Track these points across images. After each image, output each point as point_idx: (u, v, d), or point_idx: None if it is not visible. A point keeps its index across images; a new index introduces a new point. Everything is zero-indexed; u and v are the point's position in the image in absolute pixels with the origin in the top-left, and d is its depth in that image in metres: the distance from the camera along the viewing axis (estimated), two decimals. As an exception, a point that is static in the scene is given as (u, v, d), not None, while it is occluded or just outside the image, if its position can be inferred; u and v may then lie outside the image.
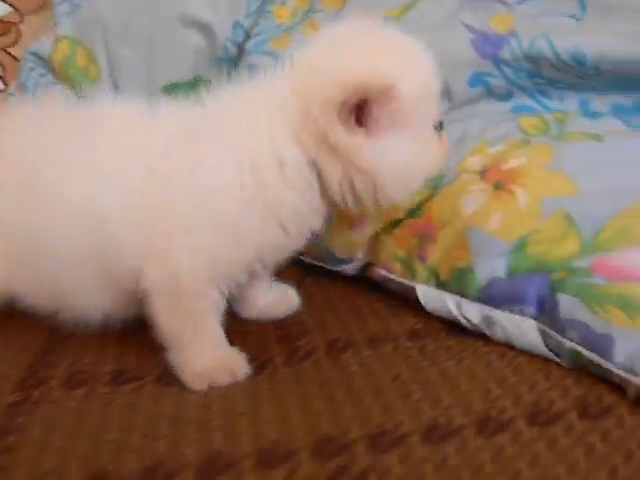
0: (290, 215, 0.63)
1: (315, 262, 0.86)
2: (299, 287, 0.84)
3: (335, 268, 0.84)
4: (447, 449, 0.51)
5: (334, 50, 0.62)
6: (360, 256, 0.81)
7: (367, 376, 0.63)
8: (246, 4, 0.95)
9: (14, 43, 1.30)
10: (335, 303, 0.80)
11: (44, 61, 1.03)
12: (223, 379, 0.64)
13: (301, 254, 0.87)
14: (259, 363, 0.67)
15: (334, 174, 0.61)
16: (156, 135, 0.65)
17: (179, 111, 0.65)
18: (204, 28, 0.94)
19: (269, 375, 0.66)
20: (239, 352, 0.67)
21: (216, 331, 0.66)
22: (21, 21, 1.33)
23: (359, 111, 0.58)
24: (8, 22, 1.32)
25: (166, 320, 0.64)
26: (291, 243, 0.65)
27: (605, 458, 0.49)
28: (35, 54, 1.05)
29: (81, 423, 0.58)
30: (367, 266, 0.82)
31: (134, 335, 0.71)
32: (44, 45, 1.04)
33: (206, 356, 0.65)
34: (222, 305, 0.65)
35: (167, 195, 0.62)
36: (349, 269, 0.83)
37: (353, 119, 0.58)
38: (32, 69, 1.04)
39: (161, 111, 0.66)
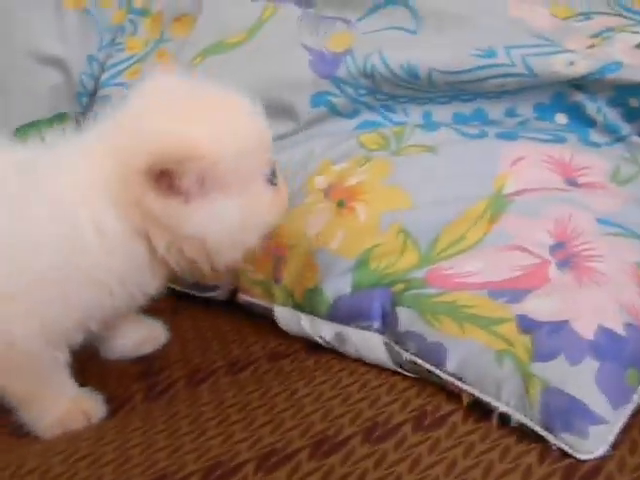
0: (113, 280, 0.59)
1: (186, 290, 0.85)
2: (173, 317, 0.84)
3: (205, 295, 0.84)
4: (279, 474, 0.52)
5: (148, 109, 0.59)
6: (225, 282, 0.81)
7: (217, 407, 0.63)
8: (98, 37, 0.94)
9: None
10: (203, 331, 0.80)
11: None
12: (77, 423, 0.64)
13: (173, 282, 0.88)
14: (118, 402, 0.67)
15: (160, 241, 0.58)
16: None
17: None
18: (59, 63, 0.93)
19: (126, 413, 0.66)
20: (93, 394, 0.66)
21: (62, 381, 0.64)
22: None
23: (169, 178, 0.55)
24: None
25: (8, 383, 0.62)
26: (122, 304, 0.62)
27: (428, 468, 0.50)
28: None
29: None
30: (235, 291, 0.82)
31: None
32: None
33: (56, 405, 0.64)
34: (65, 358, 0.63)
35: None
36: (218, 295, 0.83)
37: (164, 186, 0.55)
38: None
39: None
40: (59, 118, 0.94)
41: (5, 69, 0.93)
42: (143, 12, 0.93)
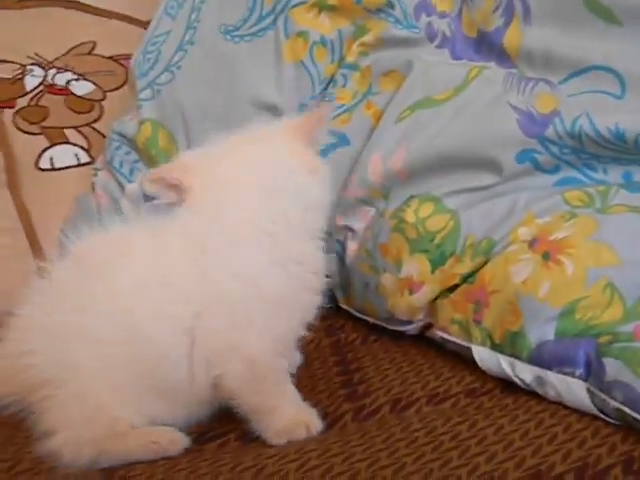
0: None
1: (378, 322, 0.93)
2: (364, 346, 0.92)
3: (397, 328, 0.91)
4: (501, 502, 0.57)
5: None
6: (420, 318, 0.87)
7: (428, 433, 0.69)
8: (310, 87, 1.05)
9: (98, 119, 1.42)
10: (397, 362, 0.86)
11: (129, 141, 1.14)
12: (300, 434, 0.72)
13: (366, 315, 0.96)
14: (332, 419, 0.75)
15: None
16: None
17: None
18: (274, 109, 1.04)
19: (339, 430, 0.73)
20: (312, 408, 0.74)
21: (292, 391, 0.73)
22: (103, 98, 1.46)
23: None
24: (91, 100, 1.45)
25: (247, 399, 0.71)
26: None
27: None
28: (120, 134, 1.16)
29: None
30: (426, 326, 0.89)
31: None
32: (128, 126, 1.15)
33: (285, 415, 0.72)
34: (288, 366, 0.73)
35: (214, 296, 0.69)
36: (410, 329, 0.90)
37: None
38: (118, 148, 1.15)
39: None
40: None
41: (228, 112, 1.05)
42: (354, 67, 1.03)
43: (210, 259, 0.69)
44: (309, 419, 0.73)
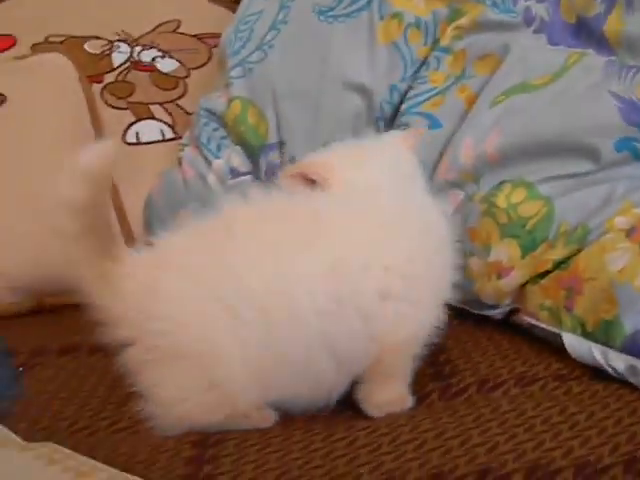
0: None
1: (462, 306, 0.93)
2: (447, 329, 0.92)
3: (481, 312, 0.91)
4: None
5: None
6: (507, 302, 0.87)
7: (519, 415, 0.69)
8: (402, 70, 1.05)
9: (182, 96, 1.46)
10: (482, 345, 0.87)
11: (217, 117, 1.17)
12: (396, 407, 0.74)
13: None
14: (418, 397, 0.76)
15: None
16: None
17: None
18: (363, 91, 1.05)
19: (426, 407, 0.74)
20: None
21: None
22: (187, 76, 1.49)
23: None
24: (176, 77, 1.49)
25: (377, 370, 0.72)
26: None
27: None
28: (209, 110, 1.18)
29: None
30: (512, 311, 0.89)
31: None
32: (217, 103, 1.17)
33: (396, 389, 0.74)
34: None
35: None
36: (495, 314, 0.90)
37: None
38: (206, 124, 1.18)
39: None
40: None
41: (319, 92, 1.06)
42: (447, 50, 1.03)
43: (386, 242, 0.71)
44: (406, 394, 0.74)
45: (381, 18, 1.06)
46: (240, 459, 0.65)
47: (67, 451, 0.68)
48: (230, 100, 1.14)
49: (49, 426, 0.75)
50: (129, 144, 1.36)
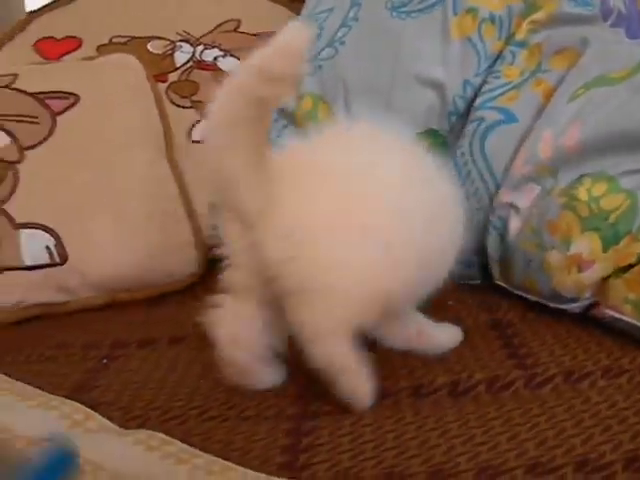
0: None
1: (539, 300, 0.93)
2: (523, 322, 0.92)
3: (560, 306, 0.91)
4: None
5: None
6: (587, 296, 0.87)
7: (611, 406, 0.69)
8: (476, 64, 1.05)
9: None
10: (562, 338, 0.87)
11: (286, 114, 1.18)
12: None
13: (525, 292, 0.96)
14: (502, 384, 0.76)
15: None
16: None
17: None
18: (437, 86, 1.05)
19: (513, 394, 0.75)
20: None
21: None
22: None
23: None
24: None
25: None
26: None
27: None
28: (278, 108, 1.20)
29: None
30: (590, 305, 0.89)
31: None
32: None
33: None
34: None
35: None
36: (573, 308, 0.90)
37: None
38: (275, 120, 1.19)
39: None
40: (430, 134, 1.07)
41: (391, 88, 1.07)
42: (522, 44, 1.03)
43: None
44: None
45: (455, 13, 1.06)
46: (335, 448, 0.67)
47: (164, 437, 0.71)
48: (301, 97, 1.15)
49: (141, 415, 0.77)
50: (195, 142, 1.39)
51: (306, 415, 0.74)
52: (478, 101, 1.02)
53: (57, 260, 1.12)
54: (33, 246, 1.12)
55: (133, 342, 0.99)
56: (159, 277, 1.19)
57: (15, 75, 1.24)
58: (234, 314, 0.76)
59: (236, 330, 0.76)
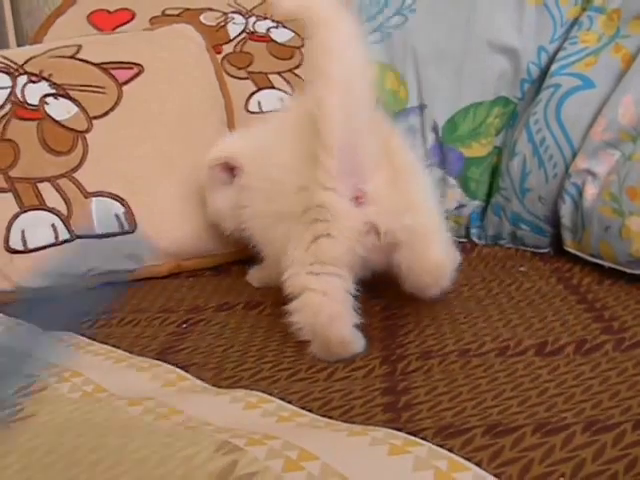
0: None
1: (615, 266, 0.93)
2: (600, 288, 0.93)
3: (638, 272, 0.91)
4: None
5: None
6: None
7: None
8: (552, 31, 1.05)
9: (299, 65, 1.48)
10: (644, 305, 0.87)
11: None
12: None
13: (601, 259, 0.96)
14: (592, 346, 0.77)
15: None
16: None
17: None
18: (510, 52, 1.05)
19: (604, 356, 0.75)
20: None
21: None
22: (303, 45, 1.51)
23: None
24: (291, 46, 1.51)
25: None
26: None
27: None
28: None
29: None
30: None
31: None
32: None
33: None
34: None
35: None
36: (653, 274, 0.90)
37: None
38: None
39: None
40: (500, 102, 1.07)
41: (463, 54, 1.07)
42: (600, 10, 1.02)
43: None
44: None
45: (531, -21, 1.06)
46: (435, 406, 0.68)
47: (262, 395, 0.72)
48: (367, 66, 1.15)
49: (233, 375, 0.78)
50: (251, 113, 1.39)
51: (395, 375, 0.75)
52: (553, 67, 1.02)
53: (126, 228, 1.13)
54: (103, 214, 1.13)
55: (209, 307, 1.00)
56: (223, 246, 1.20)
57: (79, 46, 1.25)
58: (330, 292, 0.80)
59: (337, 308, 0.80)
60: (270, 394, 0.71)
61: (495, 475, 0.55)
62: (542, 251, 1.07)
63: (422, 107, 1.09)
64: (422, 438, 0.60)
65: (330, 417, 0.67)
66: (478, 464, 0.56)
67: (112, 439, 0.64)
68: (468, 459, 0.56)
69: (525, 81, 1.05)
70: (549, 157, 0.99)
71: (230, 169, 0.98)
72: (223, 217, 1.02)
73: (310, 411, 0.68)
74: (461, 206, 1.09)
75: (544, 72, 1.04)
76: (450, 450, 0.58)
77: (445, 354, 0.78)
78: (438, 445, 0.58)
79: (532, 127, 1.01)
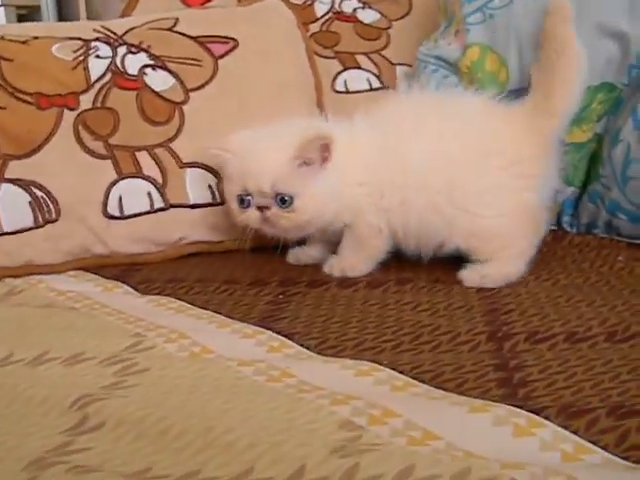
0: None
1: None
2: None
3: None
4: None
5: None
6: None
7: None
8: (664, 16, 1.03)
9: (385, 46, 1.47)
10: None
11: (449, 64, 1.18)
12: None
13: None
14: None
15: None
16: None
17: None
18: (620, 37, 1.03)
19: None
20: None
21: None
22: (389, 27, 1.50)
23: None
24: (378, 27, 1.50)
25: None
26: None
27: None
28: (438, 57, 1.19)
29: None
30: None
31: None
32: (448, 49, 1.18)
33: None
34: None
35: None
36: None
37: None
38: (435, 71, 1.19)
39: None
40: (605, 87, 1.05)
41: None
42: None
43: None
44: None
45: (646, -38, 1.03)
46: (551, 385, 0.67)
47: (373, 364, 0.72)
48: (467, 47, 1.14)
49: (337, 345, 0.79)
50: (338, 92, 1.40)
51: (503, 352, 0.75)
52: (668, 53, 1.00)
53: (218, 200, 1.15)
54: (197, 185, 1.14)
55: (302, 281, 1.01)
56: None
57: (176, 19, 1.27)
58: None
59: None
60: (379, 364, 0.72)
61: (623, 458, 0.55)
62: (638, 241, 1.05)
63: (522, 91, 1.07)
64: (545, 417, 0.60)
65: (444, 389, 0.67)
66: (605, 447, 0.56)
67: (220, 403, 0.65)
68: (594, 442, 0.56)
69: (633, 67, 1.03)
70: (659, 146, 0.98)
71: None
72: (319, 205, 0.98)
73: (423, 382, 0.69)
74: (556, 192, 1.08)
75: (654, 58, 1.02)
76: (575, 432, 0.58)
77: (553, 335, 0.78)
78: (562, 426, 0.58)
79: (639, 114, 0.99)
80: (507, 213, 0.95)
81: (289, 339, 0.81)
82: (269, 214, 0.97)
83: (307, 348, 0.79)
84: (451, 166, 0.94)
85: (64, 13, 2.80)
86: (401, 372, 0.71)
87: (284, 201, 0.96)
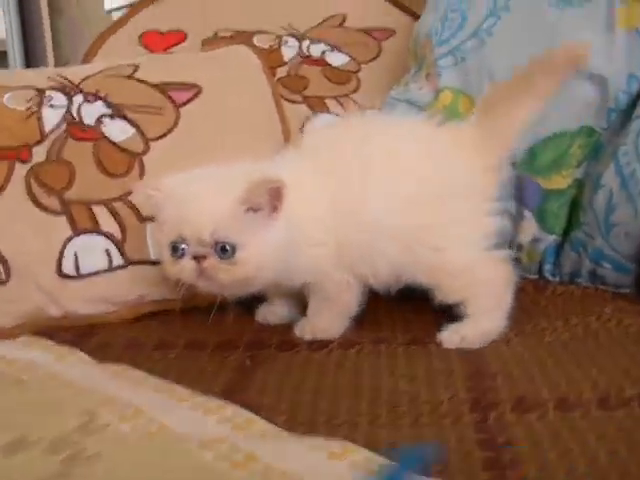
0: None
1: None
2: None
3: None
4: None
5: None
6: None
7: None
8: (644, 56, 0.99)
9: (356, 90, 1.43)
10: None
11: (420, 108, 1.13)
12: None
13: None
14: None
15: None
16: None
17: None
18: (598, 79, 0.99)
19: None
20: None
21: None
22: (358, 70, 1.47)
23: None
24: (347, 71, 1.47)
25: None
26: None
27: None
28: (409, 102, 1.15)
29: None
30: None
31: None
32: (419, 94, 1.14)
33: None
34: None
35: None
36: None
37: None
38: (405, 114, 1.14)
39: None
40: (585, 131, 1.01)
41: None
42: (697, 35, 0.96)
43: None
44: None
45: (623, 2, 1.00)
46: (544, 467, 0.61)
47: (347, 444, 0.66)
48: (439, 91, 1.10)
49: (306, 421, 0.72)
50: (307, 137, 1.35)
51: (489, 421, 0.69)
52: (648, 95, 0.96)
53: (182, 255, 1.08)
54: (158, 240, 1.08)
55: (272, 344, 0.94)
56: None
57: (136, 66, 1.21)
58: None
59: None
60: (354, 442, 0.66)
61: None
62: (623, 291, 1.00)
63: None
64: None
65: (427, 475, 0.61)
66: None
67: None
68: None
69: (612, 110, 0.99)
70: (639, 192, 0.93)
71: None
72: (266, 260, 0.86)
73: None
74: (536, 240, 1.03)
75: (634, 101, 0.98)
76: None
77: (542, 403, 0.72)
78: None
79: (621, 159, 0.95)
80: (471, 242, 0.89)
81: (256, 413, 0.74)
82: (206, 264, 0.85)
83: (275, 424, 0.72)
84: (409, 206, 0.87)
85: (31, 58, 2.75)
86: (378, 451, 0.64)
87: (225, 251, 0.84)
